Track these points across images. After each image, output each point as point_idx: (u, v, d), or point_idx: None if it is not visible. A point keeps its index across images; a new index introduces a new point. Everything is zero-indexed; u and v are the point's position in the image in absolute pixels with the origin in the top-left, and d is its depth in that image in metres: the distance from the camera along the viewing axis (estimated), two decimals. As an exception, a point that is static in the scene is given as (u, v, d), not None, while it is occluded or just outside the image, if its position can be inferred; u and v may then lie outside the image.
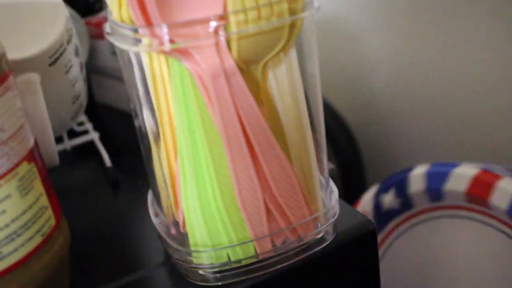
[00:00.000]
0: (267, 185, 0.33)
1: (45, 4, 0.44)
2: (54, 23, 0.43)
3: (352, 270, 0.39)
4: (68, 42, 0.45)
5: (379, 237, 0.56)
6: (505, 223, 0.52)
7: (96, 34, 0.59)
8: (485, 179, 0.50)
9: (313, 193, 0.35)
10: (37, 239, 0.33)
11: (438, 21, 0.64)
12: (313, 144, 0.35)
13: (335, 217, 0.36)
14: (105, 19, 0.59)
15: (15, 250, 0.32)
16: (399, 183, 0.54)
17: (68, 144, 0.52)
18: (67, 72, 0.45)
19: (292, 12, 0.31)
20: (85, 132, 0.54)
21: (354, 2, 0.72)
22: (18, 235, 0.31)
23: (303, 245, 0.35)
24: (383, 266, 0.58)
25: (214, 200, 0.33)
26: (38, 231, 0.33)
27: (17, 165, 0.31)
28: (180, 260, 0.35)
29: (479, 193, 0.50)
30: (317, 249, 0.36)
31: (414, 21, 0.67)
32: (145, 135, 0.35)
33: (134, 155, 0.44)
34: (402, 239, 0.56)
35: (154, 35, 0.29)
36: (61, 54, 0.44)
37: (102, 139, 0.53)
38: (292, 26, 0.31)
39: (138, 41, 0.30)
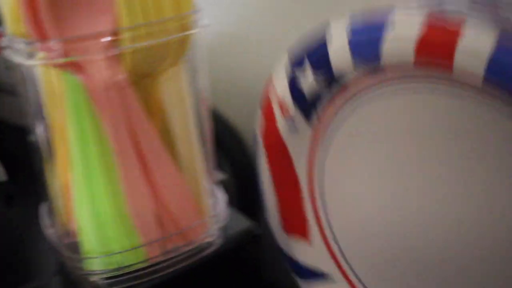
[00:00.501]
0: (158, 192, 0.34)
1: None
2: None
3: (239, 272, 0.41)
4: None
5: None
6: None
7: (-9, 49, 0.58)
8: (436, 40, 0.28)
9: (202, 200, 0.37)
10: None
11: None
12: (202, 154, 0.37)
13: (223, 222, 0.38)
14: (1, 35, 0.58)
15: None
16: (315, 56, 0.33)
17: (-40, 158, 0.51)
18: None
19: (182, 28, 0.32)
20: (-22, 147, 0.54)
21: (247, 20, 0.75)
22: None
23: (193, 249, 0.37)
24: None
25: (106, 208, 0.34)
26: None
27: None
28: (73, 268, 0.36)
29: (433, 62, 0.28)
30: (206, 253, 0.37)
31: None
32: (39, 148, 0.36)
33: (28, 170, 0.44)
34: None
35: (47, 49, 0.30)
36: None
37: (-4, 153, 0.53)
38: (182, 42, 0.33)
39: (32, 55, 0.31)
